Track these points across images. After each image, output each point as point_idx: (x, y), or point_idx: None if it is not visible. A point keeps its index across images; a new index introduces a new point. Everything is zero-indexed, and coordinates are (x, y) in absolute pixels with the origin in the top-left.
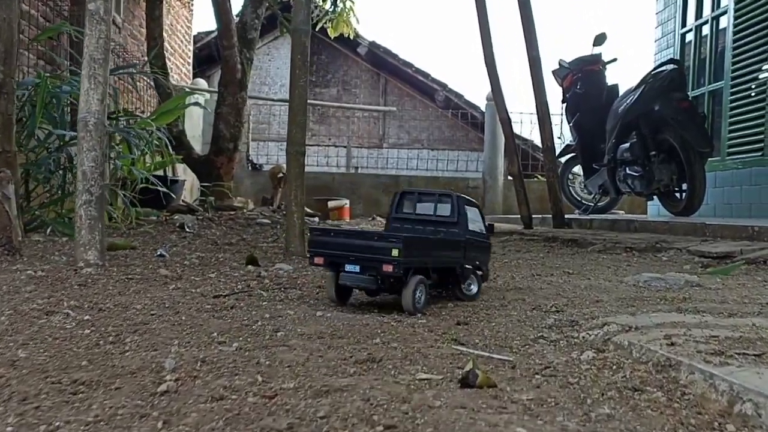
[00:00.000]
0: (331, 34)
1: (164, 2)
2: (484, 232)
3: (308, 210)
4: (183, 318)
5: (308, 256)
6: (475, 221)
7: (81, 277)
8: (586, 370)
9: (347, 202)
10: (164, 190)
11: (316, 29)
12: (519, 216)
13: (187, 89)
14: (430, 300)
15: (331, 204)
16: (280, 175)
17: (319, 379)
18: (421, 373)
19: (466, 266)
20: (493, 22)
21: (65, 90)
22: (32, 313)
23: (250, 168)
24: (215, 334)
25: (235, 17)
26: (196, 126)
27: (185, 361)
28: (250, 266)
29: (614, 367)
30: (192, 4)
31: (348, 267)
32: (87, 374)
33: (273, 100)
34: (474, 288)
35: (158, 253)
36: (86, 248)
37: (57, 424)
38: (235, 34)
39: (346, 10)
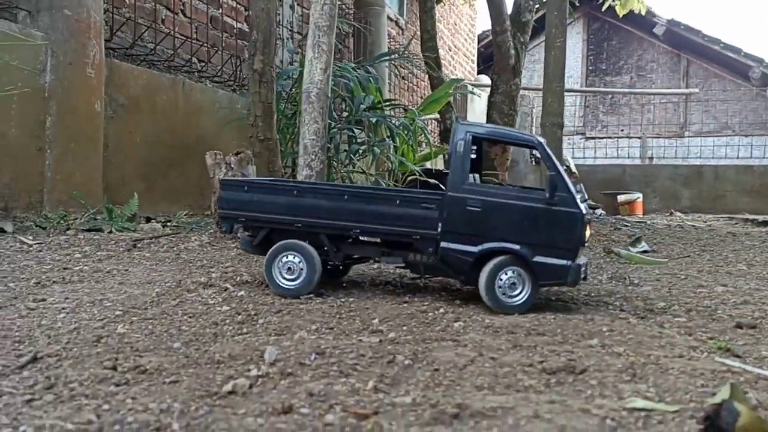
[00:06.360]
0: (620, 12)
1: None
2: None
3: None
4: (351, 300)
5: None
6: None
7: None
8: None
9: (639, 196)
10: (432, 181)
11: (603, 9)
12: None
13: (468, 84)
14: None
15: (620, 198)
16: None
17: (466, 392)
18: (637, 399)
19: (444, 245)
20: None
21: None
22: (191, 286)
23: (533, 162)
24: (376, 320)
25: None
26: (479, 120)
27: (296, 352)
28: None
29: None
30: (474, 3)
31: None
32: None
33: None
34: (523, 293)
35: None
36: None
37: None
38: (507, 18)
39: None
